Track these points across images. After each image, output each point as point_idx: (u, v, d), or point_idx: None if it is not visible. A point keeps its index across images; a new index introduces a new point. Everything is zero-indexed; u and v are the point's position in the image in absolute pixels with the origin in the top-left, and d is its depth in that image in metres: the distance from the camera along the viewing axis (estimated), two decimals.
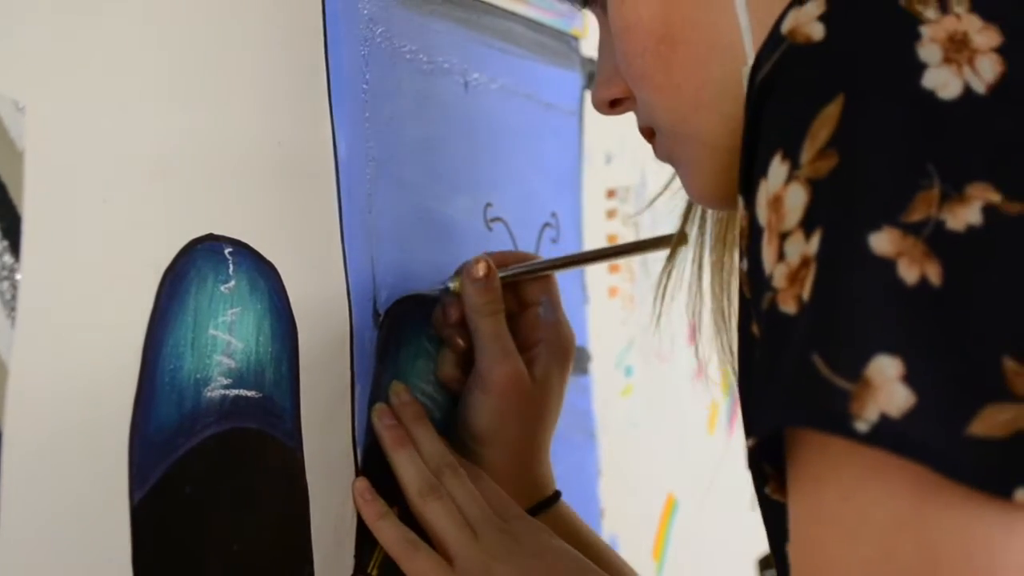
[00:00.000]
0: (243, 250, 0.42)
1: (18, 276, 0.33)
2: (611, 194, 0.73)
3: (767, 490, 0.32)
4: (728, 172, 0.37)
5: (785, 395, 0.28)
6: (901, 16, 0.29)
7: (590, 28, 0.71)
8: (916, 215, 0.27)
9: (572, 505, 0.64)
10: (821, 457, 0.28)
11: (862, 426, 0.26)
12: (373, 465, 0.49)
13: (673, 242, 0.51)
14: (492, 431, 0.50)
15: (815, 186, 0.28)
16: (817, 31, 0.29)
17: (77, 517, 0.34)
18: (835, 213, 0.28)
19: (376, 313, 0.50)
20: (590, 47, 0.71)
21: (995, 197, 0.27)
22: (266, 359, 0.42)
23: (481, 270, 0.50)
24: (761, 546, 0.93)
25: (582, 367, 0.68)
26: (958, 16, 0.28)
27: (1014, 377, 0.26)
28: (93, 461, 0.35)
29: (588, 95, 0.70)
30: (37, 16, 0.34)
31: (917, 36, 0.28)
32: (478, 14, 0.59)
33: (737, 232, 0.37)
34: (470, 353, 0.51)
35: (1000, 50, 0.28)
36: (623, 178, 0.75)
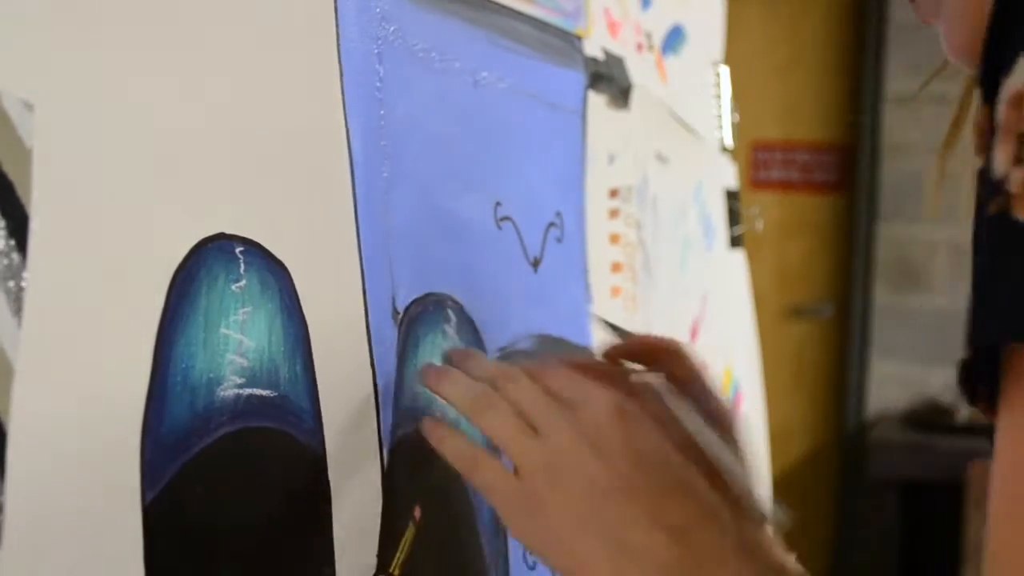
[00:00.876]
0: (254, 249, 0.42)
1: (25, 275, 0.33)
2: (614, 194, 0.73)
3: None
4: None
5: (1010, 306, 0.27)
6: None
7: (593, 28, 0.71)
8: None
9: None
10: None
11: None
12: (400, 464, 0.49)
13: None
14: None
15: None
16: None
17: (88, 518, 0.34)
18: None
19: (395, 311, 0.50)
20: (593, 47, 0.71)
21: None
22: (279, 358, 0.42)
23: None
24: None
25: None
26: None
27: None
28: (104, 461, 0.35)
29: (591, 95, 0.70)
30: (45, 14, 0.34)
31: None
32: (487, 13, 0.59)
33: (972, 128, 0.34)
34: None
35: None
36: (625, 178, 0.75)
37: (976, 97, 0.35)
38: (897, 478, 2.29)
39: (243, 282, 0.41)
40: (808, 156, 2.59)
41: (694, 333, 0.86)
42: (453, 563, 0.53)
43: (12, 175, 0.33)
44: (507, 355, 0.59)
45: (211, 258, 0.39)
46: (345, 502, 0.45)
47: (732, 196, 0.97)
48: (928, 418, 2.38)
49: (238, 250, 0.41)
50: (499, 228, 0.59)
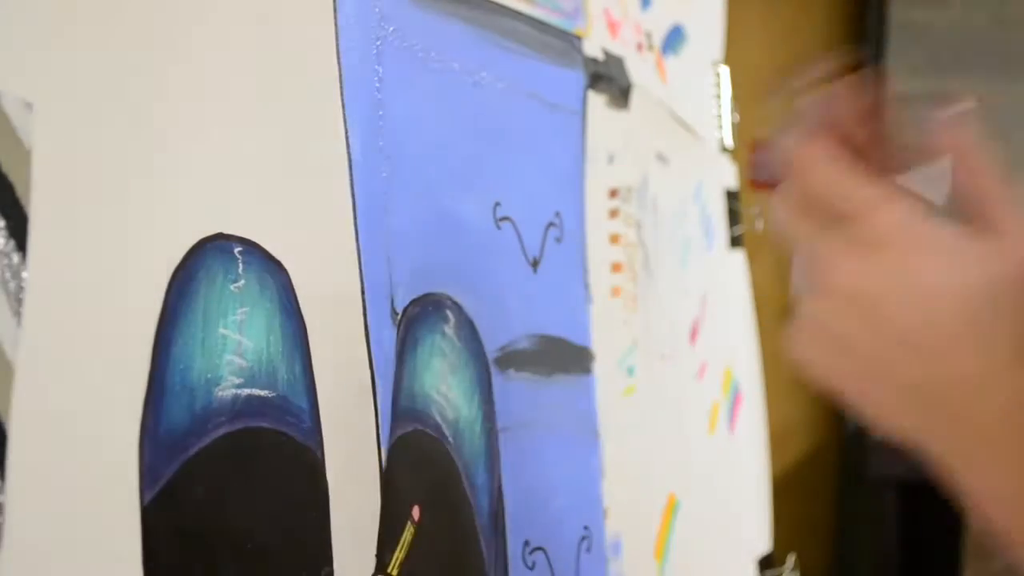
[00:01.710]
0: (252, 249, 0.42)
1: (25, 275, 0.33)
2: (613, 194, 0.73)
3: None
4: None
5: None
6: None
7: (593, 28, 0.71)
8: None
9: (575, 505, 0.64)
10: None
11: None
12: (399, 465, 0.49)
13: None
14: None
15: None
16: None
17: (86, 518, 0.34)
18: None
19: (394, 312, 0.50)
20: (593, 47, 0.71)
21: None
22: (278, 358, 0.42)
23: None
24: (761, 546, 0.94)
25: (586, 367, 0.68)
26: None
27: None
28: (102, 462, 0.35)
29: (591, 95, 0.70)
30: (45, 14, 0.34)
31: None
32: (486, 13, 0.59)
33: None
34: None
35: None
36: (625, 178, 0.75)
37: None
38: (897, 478, 2.29)
39: (242, 282, 0.41)
40: None
41: (694, 333, 0.86)
42: (452, 563, 0.53)
43: (12, 175, 0.33)
44: (506, 355, 0.59)
45: (210, 258, 0.39)
46: (343, 502, 0.45)
47: (732, 196, 0.97)
48: None
49: (237, 250, 0.41)
50: (498, 228, 0.59)
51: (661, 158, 0.81)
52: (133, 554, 0.36)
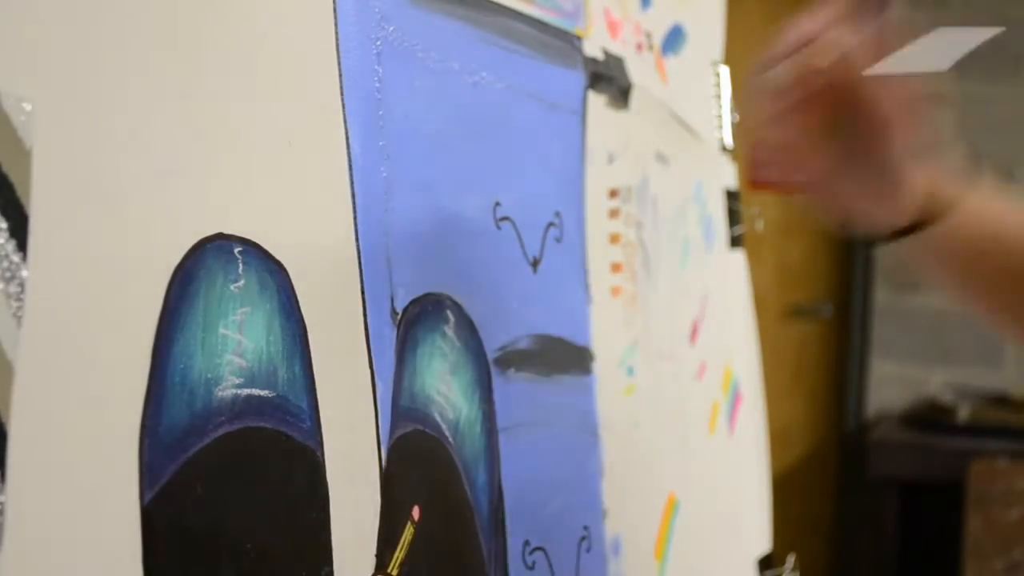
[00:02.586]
0: (253, 249, 0.42)
1: (25, 275, 0.33)
2: (613, 194, 0.73)
3: None
4: None
5: None
6: None
7: (593, 28, 0.71)
8: None
9: (575, 505, 0.64)
10: None
11: None
12: (398, 465, 0.49)
13: None
14: None
15: None
16: None
17: (86, 518, 0.34)
18: None
19: (394, 312, 0.50)
20: (593, 47, 0.71)
21: None
22: (278, 358, 0.42)
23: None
24: (761, 546, 0.93)
25: (586, 367, 0.68)
26: None
27: None
28: (102, 461, 0.35)
29: (591, 95, 0.70)
30: (45, 14, 0.34)
31: None
32: (486, 13, 0.59)
33: None
34: None
35: None
36: (625, 178, 0.75)
37: None
38: (897, 478, 2.29)
39: (242, 282, 0.41)
40: None
41: (694, 333, 0.86)
42: (452, 563, 0.53)
43: (12, 176, 0.33)
44: (506, 355, 0.59)
45: (210, 258, 0.39)
46: (343, 502, 0.45)
47: (732, 196, 0.97)
48: (928, 418, 2.38)
49: (237, 250, 0.41)
50: (498, 228, 0.59)
51: (661, 158, 0.81)
52: (133, 554, 0.36)
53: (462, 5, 0.57)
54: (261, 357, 0.41)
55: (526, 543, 0.59)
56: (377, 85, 0.50)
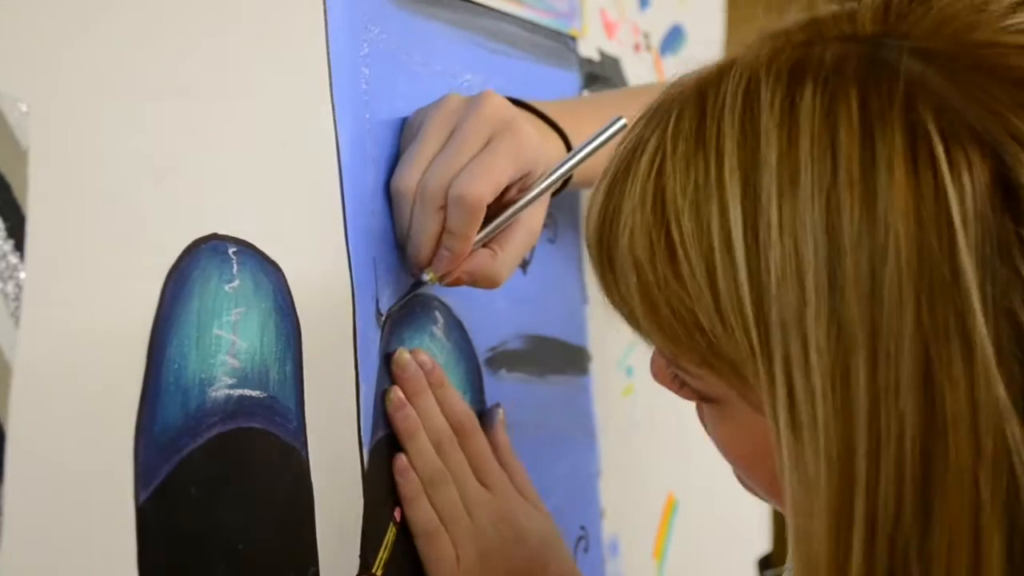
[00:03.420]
0: (247, 249, 0.42)
1: (22, 275, 0.33)
2: None
3: None
4: None
5: None
6: None
7: (589, 28, 0.71)
8: None
9: (572, 505, 0.64)
10: None
11: None
12: (380, 466, 0.49)
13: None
14: None
15: None
16: None
17: (82, 517, 0.34)
18: None
19: (379, 313, 0.50)
20: (588, 47, 0.71)
21: None
22: (270, 359, 0.42)
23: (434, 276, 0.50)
24: (761, 546, 0.93)
25: (582, 367, 0.68)
26: None
27: None
28: (98, 461, 0.35)
29: (586, 96, 0.70)
30: (41, 15, 0.34)
31: None
32: (472, 15, 0.59)
33: None
34: None
35: None
36: None
37: None
38: None
39: (236, 283, 0.41)
40: None
41: None
42: None
43: (9, 176, 0.33)
44: (497, 356, 0.59)
45: (204, 258, 0.40)
46: (328, 502, 0.45)
47: None
48: None
49: (231, 251, 0.41)
50: None
51: None
52: (128, 553, 0.36)
53: (447, 8, 0.57)
54: (254, 357, 0.41)
55: None
56: (364, 87, 0.50)
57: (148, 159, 0.38)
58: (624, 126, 0.50)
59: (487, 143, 0.49)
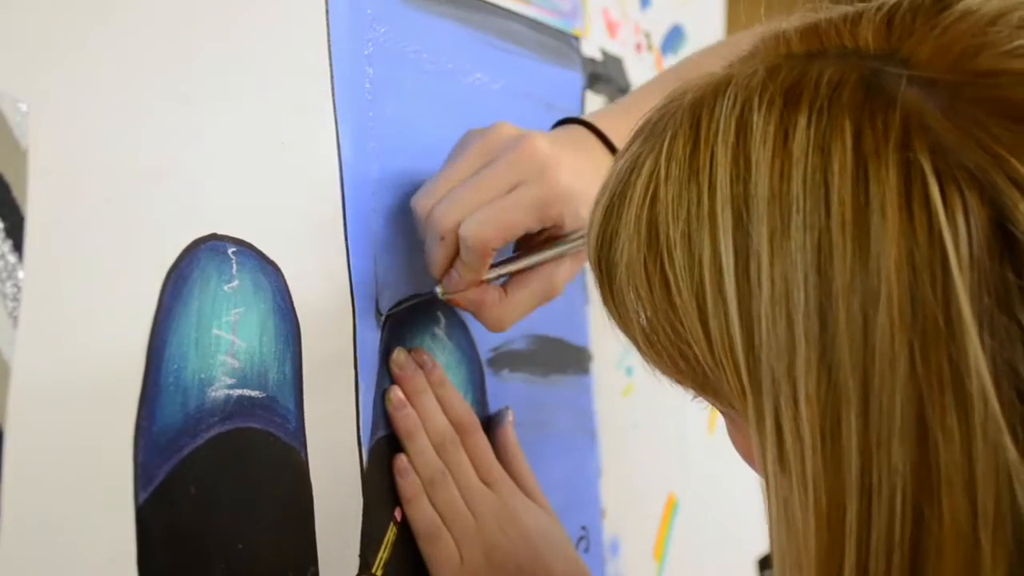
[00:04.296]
0: (246, 250, 0.42)
1: (21, 275, 0.33)
2: None
3: None
4: None
5: None
6: None
7: (591, 28, 0.71)
8: None
9: (572, 505, 0.64)
10: None
11: None
12: (379, 466, 0.49)
13: None
14: None
15: None
16: None
17: (81, 518, 0.34)
18: None
19: (378, 314, 0.50)
20: (591, 47, 0.71)
21: None
22: (270, 359, 0.42)
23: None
24: (761, 546, 0.93)
25: (583, 367, 0.68)
26: None
27: None
28: (97, 461, 0.35)
29: (589, 95, 0.70)
30: (41, 15, 0.34)
31: None
32: (480, 14, 0.59)
33: None
34: None
35: None
36: None
37: None
38: None
39: (235, 283, 0.41)
40: None
41: None
42: None
43: (8, 176, 0.33)
44: (500, 356, 0.59)
45: (204, 258, 0.39)
46: (327, 502, 0.45)
47: None
48: None
49: (231, 251, 0.41)
50: None
51: None
52: (128, 553, 0.36)
53: (456, 6, 0.57)
54: (253, 358, 0.41)
55: None
56: (367, 86, 0.50)
57: (147, 159, 0.38)
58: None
59: (513, 188, 0.48)
